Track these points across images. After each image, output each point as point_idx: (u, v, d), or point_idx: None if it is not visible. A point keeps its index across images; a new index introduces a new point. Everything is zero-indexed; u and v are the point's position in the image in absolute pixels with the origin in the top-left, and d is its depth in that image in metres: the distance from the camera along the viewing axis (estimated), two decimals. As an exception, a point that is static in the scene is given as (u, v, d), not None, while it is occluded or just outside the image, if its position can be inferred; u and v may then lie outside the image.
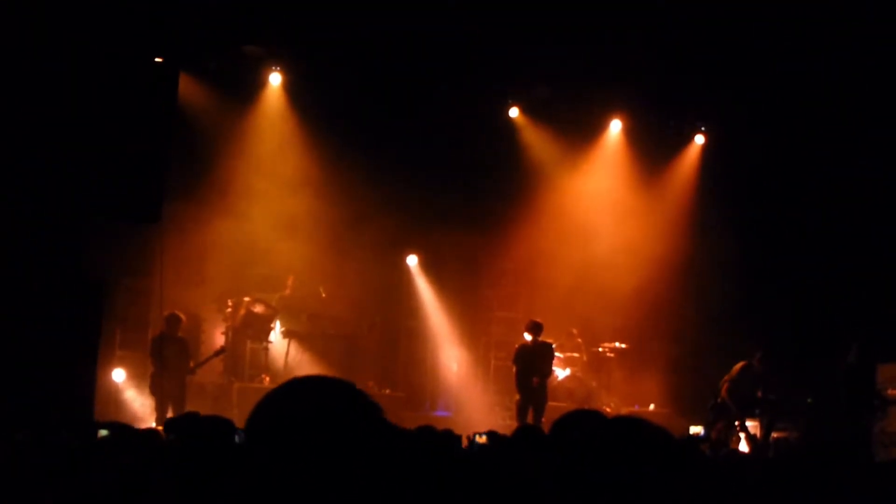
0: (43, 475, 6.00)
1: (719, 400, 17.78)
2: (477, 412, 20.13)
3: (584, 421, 2.77)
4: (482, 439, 8.98)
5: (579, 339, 21.77)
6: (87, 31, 13.39)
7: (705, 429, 17.46)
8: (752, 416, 17.95)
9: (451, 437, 8.59)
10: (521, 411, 18.14)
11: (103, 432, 8.42)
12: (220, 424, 6.24)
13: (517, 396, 18.38)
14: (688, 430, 17.49)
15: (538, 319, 18.76)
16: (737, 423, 17.70)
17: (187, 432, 6.03)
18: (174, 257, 18.34)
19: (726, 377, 17.90)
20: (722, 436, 17.29)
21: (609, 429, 2.81)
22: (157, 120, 14.31)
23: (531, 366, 18.29)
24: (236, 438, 6.19)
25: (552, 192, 22.49)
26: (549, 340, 19.42)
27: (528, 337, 18.54)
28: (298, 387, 2.53)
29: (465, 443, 9.59)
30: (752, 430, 17.92)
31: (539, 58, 19.86)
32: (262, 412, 2.50)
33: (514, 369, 18.53)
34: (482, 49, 19.26)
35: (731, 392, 17.70)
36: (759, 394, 17.74)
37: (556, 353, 20.92)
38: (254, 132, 20.87)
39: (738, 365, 17.88)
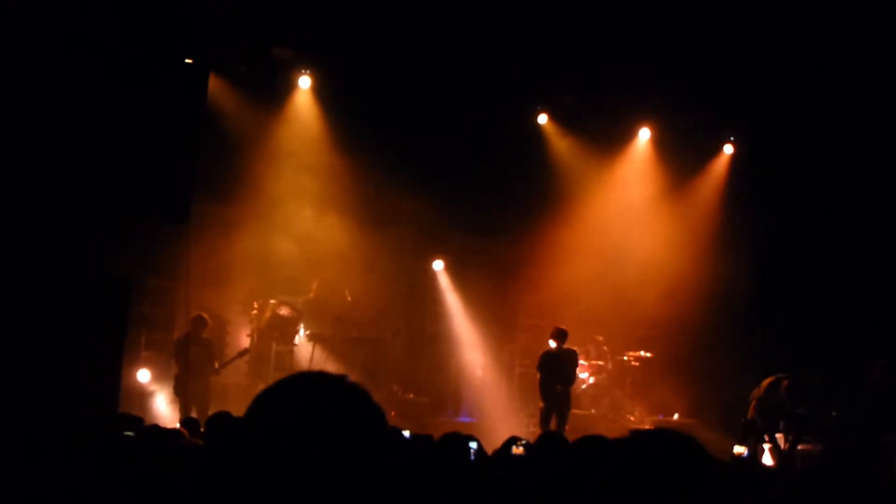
0: (67, 475, 6.02)
1: (749, 417, 17.69)
2: (501, 418, 20.09)
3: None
4: (519, 450, 8.90)
5: (605, 347, 21.75)
6: (119, 32, 13.45)
7: (748, 450, 17.35)
8: (779, 430, 17.85)
9: (463, 446, 8.56)
10: (544, 418, 18.10)
11: (128, 433, 8.46)
12: (236, 425, 6.25)
13: (541, 403, 18.34)
14: (731, 450, 17.36)
15: (563, 326, 18.71)
16: (766, 436, 17.61)
17: (222, 433, 6.04)
18: (201, 259, 18.39)
19: (755, 394, 17.80)
20: (751, 451, 17.22)
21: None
22: (186, 121, 14.37)
23: (556, 373, 18.25)
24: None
25: (579, 200, 22.42)
26: (575, 348, 19.39)
27: (552, 344, 18.49)
28: (295, 384, 2.51)
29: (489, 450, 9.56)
30: (779, 443, 17.84)
31: (568, 65, 19.82)
32: (256, 409, 2.49)
33: (538, 376, 18.49)
34: (511, 56, 19.23)
35: (759, 409, 17.62)
36: (788, 407, 17.63)
37: (581, 361, 20.89)
38: (282, 135, 20.88)
39: (766, 381, 17.77)
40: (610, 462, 2.78)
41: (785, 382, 17.59)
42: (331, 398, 2.46)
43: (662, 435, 2.86)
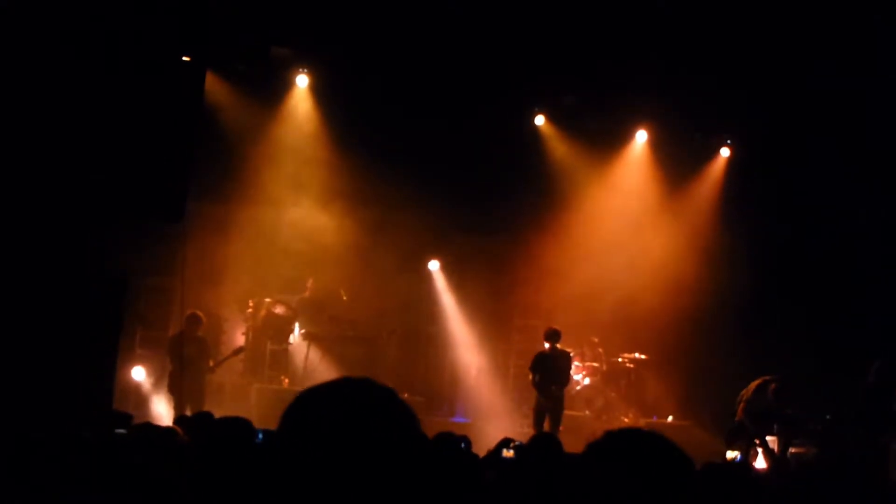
0: (62, 473, 6.01)
1: (737, 420, 17.69)
2: (495, 419, 20.10)
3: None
4: (509, 453, 8.91)
5: (600, 349, 21.75)
6: (114, 29, 13.43)
7: (741, 453, 17.35)
8: (770, 433, 17.84)
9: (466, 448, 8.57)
10: (537, 419, 18.11)
11: (120, 430, 8.45)
12: (241, 425, 6.24)
13: (534, 403, 18.36)
14: (724, 455, 17.36)
15: (556, 327, 18.73)
16: (756, 440, 17.61)
17: (206, 432, 6.04)
18: (196, 257, 18.37)
19: (742, 396, 17.80)
20: (743, 454, 17.22)
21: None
22: (182, 119, 14.34)
23: (549, 373, 18.26)
24: (259, 438, 6.19)
25: (575, 201, 22.44)
26: (570, 349, 19.41)
27: (546, 345, 18.51)
28: (338, 389, 2.52)
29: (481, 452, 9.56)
30: (770, 446, 17.85)
31: (566, 66, 19.82)
32: (298, 410, 2.49)
33: (530, 377, 18.50)
34: (509, 56, 19.23)
35: (748, 412, 17.62)
36: (776, 410, 17.62)
37: (576, 363, 20.95)
38: (279, 134, 20.90)
39: (754, 384, 17.77)
40: (584, 463, 2.78)
41: (773, 385, 17.58)
42: (373, 404, 2.50)
43: (636, 435, 2.87)
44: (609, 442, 2.83)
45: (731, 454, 17.73)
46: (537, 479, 6.59)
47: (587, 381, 21.44)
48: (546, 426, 17.78)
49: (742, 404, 17.68)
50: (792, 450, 18.19)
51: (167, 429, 8.77)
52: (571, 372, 19.41)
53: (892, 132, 19.40)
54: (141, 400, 18.44)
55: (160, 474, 6.14)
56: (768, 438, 17.95)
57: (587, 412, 21.07)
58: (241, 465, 5.42)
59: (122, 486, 5.88)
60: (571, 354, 19.38)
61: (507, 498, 6.56)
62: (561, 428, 17.97)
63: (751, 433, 17.60)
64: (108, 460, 6.40)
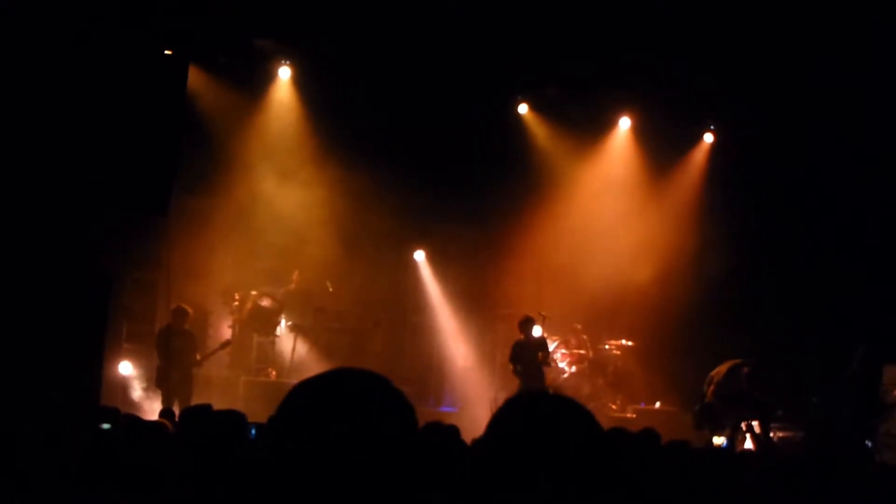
0: (49, 468, 6.01)
1: (706, 402, 17.64)
2: (483, 408, 20.10)
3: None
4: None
5: (584, 336, 21.78)
6: (97, 23, 13.40)
7: (727, 440, 17.35)
8: (742, 417, 17.81)
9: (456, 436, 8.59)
10: None
11: (105, 426, 8.44)
12: (235, 418, 6.25)
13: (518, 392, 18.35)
14: (710, 441, 17.36)
15: (530, 314, 18.84)
16: (743, 424, 17.62)
17: (200, 425, 6.04)
18: (181, 251, 18.39)
19: (712, 378, 17.75)
20: (709, 435, 17.22)
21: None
22: (166, 113, 14.33)
23: (530, 361, 18.31)
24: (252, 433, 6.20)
25: (560, 190, 22.47)
26: (555, 337, 19.53)
27: (523, 333, 18.58)
28: (336, 379, 2.54)
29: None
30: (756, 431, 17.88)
31: (548, 54, 19.82)
32: (294, 401, 2.50)
33: (511, 368, 18.57)
34: (491, 45, 19.22)
35: (719, 395, 17.57)
36: (748, 394, 17.57)
37: (562, 350, 21.05)
38: (262, 126, 20.89)
39: (726, 366, 17.71)
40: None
41: (745, 369, 17.51)
42: (371, 394, 2.51)
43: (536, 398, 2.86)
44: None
45: (718, 440, 17.75)
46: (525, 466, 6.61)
47: (573, 368, 21.49)
48: None
49: (712, 387, 17.62)
50: (779, 434, 18.24)
51: (155, 422, 8.78)
52: (556, 357, 19.45)
53: (878, 117, 19.45)
54: (128, 394, 18.41)
55: (148, 468, 6.14)
56: (754, 423, 17.98)
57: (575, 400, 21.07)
58: (236, 458, 5.43)
59: (110, 480, 5.88)
60: (554, 341, 19.44)
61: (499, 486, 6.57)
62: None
63: (720, 415, 17.54)
64: (94, 455, 6.40)
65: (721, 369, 17.62)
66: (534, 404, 2.75)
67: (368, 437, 2.40)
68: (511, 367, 18.67)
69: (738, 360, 17.58)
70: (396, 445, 2.43)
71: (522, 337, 18.56)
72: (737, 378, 17.47)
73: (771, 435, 17.80)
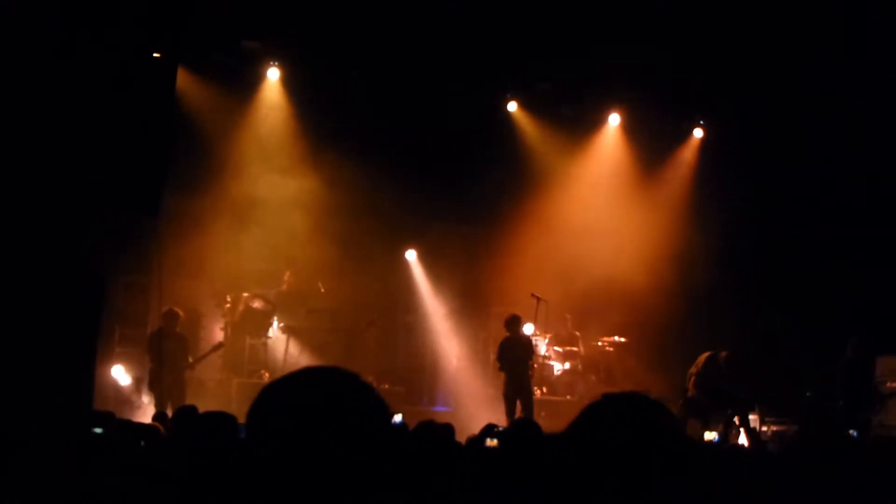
0: (42, 472, 5.99)
1: (689, 396, 17.66)
2: (476, 407, 20.10)
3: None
4: (493, 442, 8.90)
5: (570, 324, 21.80)
6: (86, 25, 13.37)
7: (719, 435, 17.36)
8: (726, 407, 17.80)
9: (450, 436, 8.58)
10: (509, 405, 18.07)
11: (98, 430, 8.42)
12: (224, 421, 6.23)
13: (503, 391, 18.31)
14: (702, 436, 17.37)
15: (517, 313, 18.84)
16: (736, 419, 17.64)
17: (189, 428, 6.03)
18: (173, 253, 18.35)
19: (692, 371, 17.80)
20: (721, 435, 17.23)
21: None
22: (155, 115, 14.30)
23: (516, 359, 18.28)
24: (241, 434, 6.17)
25: (551, 187, 22.48)
26: (548, 333, 19.58)
27: (509, 331, 18.55)
28: (302, 378, 2.53)
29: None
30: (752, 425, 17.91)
31: (538, 52, 19.82)
32: (263, 403, 2.50)
33: (498, 366, 18.56)
34: (481, 43, 19.22)
35: (699, 386, 17.61)
36: (730, 381, 17.59)
37: (555, 348, 21.06)
38: (252, 127, 20.88)
39: (703, 357, 17.77)
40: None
41: (723, 354, 17.56)
42: (339, 391, 2.49)
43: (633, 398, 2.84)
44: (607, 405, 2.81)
45: (710, 436, 17.77)
46: (521, 465, 6.60)
47: (567, 365, 21.51)
48: (518, 412, 17.83)
49: (693, 378, 17.67)
50: (773, 428, 18.27)
51: (148, 426, 8.77)
52: (549, 354, 19.48)
53: (870, 112, 19.48)
54: (121, 398, 18.37)
55: (142, 471, 6.12)
56: (753, 417, 18.03)
57: (568, 397, 21.10)
58: (226, 460, 5.41)
59: (105, 484, 5.86)
60: (545, 337, 19.47)
61: (492, 485, 6.56)
62: (543, 413, 18.07)
63: (707, 407, 17.55)
64: (88, 460, 6.38)
65: (699, 360, 17.68)
66: (623, 405, 2.75)
67: (339, 433, 2.39)
68: (497, 364, 18.65)
69: (712, 351, 17.65)
70: (368, 440, 2.42)
71: (509, 335, 18.53)
72: (715, 365, 17.51)
73: (755, 427, 17.85)
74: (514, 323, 18.59)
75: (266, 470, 2.39)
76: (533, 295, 20.03)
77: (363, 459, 2.39)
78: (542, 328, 21.11)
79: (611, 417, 2.64)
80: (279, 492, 2.37)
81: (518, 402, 18.04)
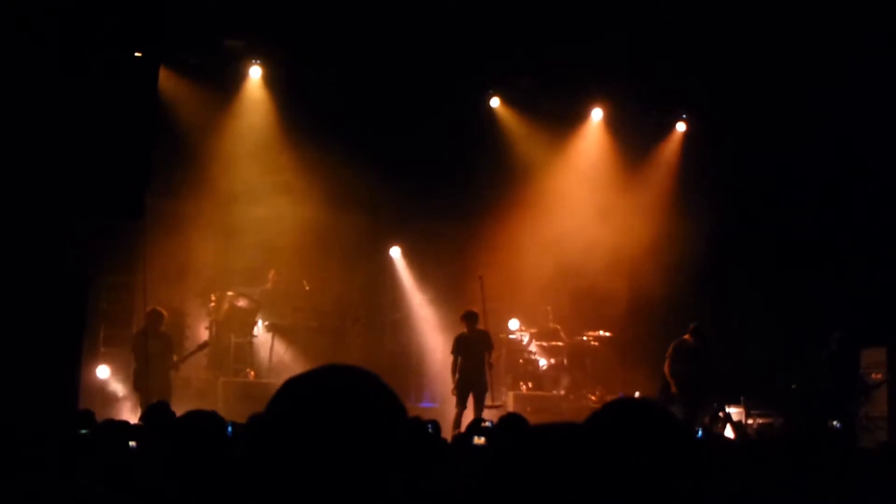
0: (27, 473, 5.97)
1: (670, 392, 17.76)
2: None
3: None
4: (480, 440, 8.91)
5: (557, 326, 21.79)
6: (65, 26, 13.33)
7: (703, 428, 17.43)
8: (698, 395, 17.87)
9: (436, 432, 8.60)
10: (461, 397, 18.02)
11: (83, 430, 8.40)
12: (210, 419, 6.21)
13: (456, 383, 18.25)
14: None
15: (474, 309, 18.81)
16: (721, 413, 17.71)
17: (175, 427, 6.00)
18: (157, 253, 18.30)
19: (665, 368, 17.96)
20: (706, 428, 17.30)
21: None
22: (137, 115, 14.26)
23: (471, 355, 18.24)
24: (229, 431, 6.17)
25: (534, 182, 22.50)
26: (533, 329, 19.62)
27: (466, 327, 18.49)
28: (327, 376, 2.52)
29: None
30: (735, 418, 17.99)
31: (520, 47, 19.84)
32: (285, 398, 2.49)
33: (452, 359, 18.49)
34: (463, 39, 19.22)
35: (672, 372, 17.76)
36: (700, 353, 17.73)
37: (541, 343, 21.12)
38: (234, 126, 20.85)
39: (669, 349, 17.94)
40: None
41: (691, 326, 17.78)
42: (364, 391, 2.52)
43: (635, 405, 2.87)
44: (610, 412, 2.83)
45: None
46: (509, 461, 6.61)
47: (552, 360, 21.53)
48: (470, 402, 17.81)
49: (667, 368, 17.86)
50: (759, 420, 18.34)
51: (133, 426, 8.74)
52: (533, 349, 19.53)
53: (851, 107, 19.52)
54: (107, 398, 18.34)
55: (126, 472, 6.11)
56: (733, 410, 18.10)
57: (554, 391, 21.15)
58: (214, 458, 5.40)
59: (90, 485, 5.84)
60: (528, 333, 19.50)
61: (478, 480, 6.56)
62: (529, 409, 18.11)
63: (689, 402, 17.60)
64: (72, 460, 6.37)
65: (668, 352, 17.84)
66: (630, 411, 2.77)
67: (363, 434, 2.39)
68: (451, 358, 18.56)
69: (682, 336, 17.82)
70: (389, 442, 2.43)
71: (466, 331, 18.47)
72: (684, 346, 17.66)
73: (740, 420, 17.96)
74: (470, 318, 18.51)
75: (282, 467, 2.38)
76: (479, 277, 19.97)
77: (382, 460, 2.40)
78: (526, 323, 21.22)
79: (628, 418, 2.66)
80: (295, 490, 2.37)
81: (471, 395, 17.98)
